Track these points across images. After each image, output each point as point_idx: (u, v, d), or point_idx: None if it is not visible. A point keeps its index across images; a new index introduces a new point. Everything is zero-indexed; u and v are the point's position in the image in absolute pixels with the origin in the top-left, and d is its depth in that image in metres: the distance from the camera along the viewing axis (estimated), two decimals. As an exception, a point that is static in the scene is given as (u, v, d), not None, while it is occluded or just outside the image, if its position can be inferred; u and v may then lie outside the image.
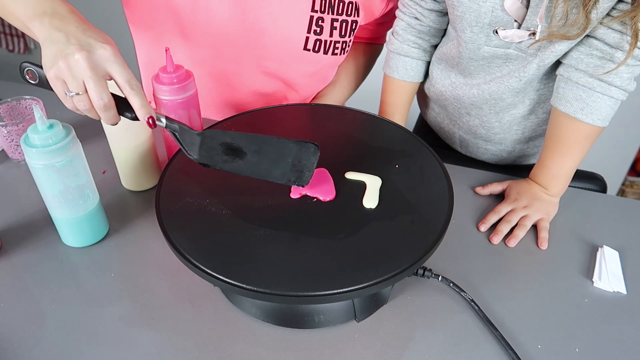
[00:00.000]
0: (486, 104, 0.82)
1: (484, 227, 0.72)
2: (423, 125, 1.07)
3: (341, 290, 0.49)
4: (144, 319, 0.59)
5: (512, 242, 0.70)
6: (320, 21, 0.83)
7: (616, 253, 0.69)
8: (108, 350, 0.55)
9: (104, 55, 0.54)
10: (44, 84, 0.57)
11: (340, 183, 0.63)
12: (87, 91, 0.54)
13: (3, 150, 0.83)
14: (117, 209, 0.73)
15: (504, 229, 0.71)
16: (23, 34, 2.24)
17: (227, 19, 0.80)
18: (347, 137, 0.72)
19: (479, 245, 0.70)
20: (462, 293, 0.61)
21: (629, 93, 0.69)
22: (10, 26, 2.24)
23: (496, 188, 0.79)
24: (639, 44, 0.63)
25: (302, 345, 0.57)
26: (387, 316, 0.60)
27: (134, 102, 0.55)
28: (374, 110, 0.82)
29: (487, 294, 0.63)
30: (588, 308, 0.62)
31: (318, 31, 0.83)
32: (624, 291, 0.64)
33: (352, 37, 0.88)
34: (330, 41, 0.85)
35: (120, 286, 0.62)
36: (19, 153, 0.81)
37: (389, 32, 0.94)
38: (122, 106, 0.56)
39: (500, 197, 0.79)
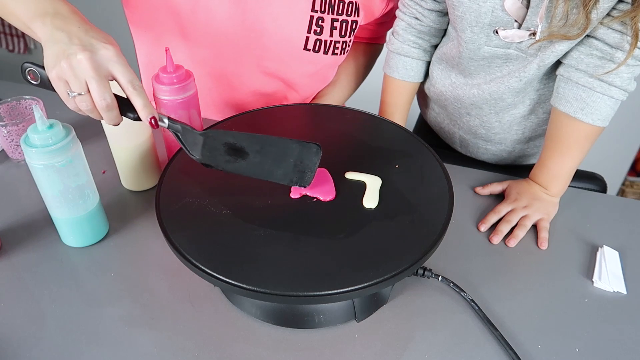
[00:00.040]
0: (486, 104, 0.82)
1: (484, 227, 0.72)
2: (423, 125, 1.07)
3: (341, 290, 0.49)
4: (144, 319, 0.59)
5: (512, 242, 0.70)
6: (320, 21, 0.83)
7: (616, 253, 0.69)
8: (108, 350, 0.55)
9: (106, 55, 0.54)
10: (45, 84, 0.57)
11: (340, 183, 0.63)
12: (89, 91, 0.54)
13: (3, 150, 0.83)
14: (117, 209, 0.73)
15: (504, 229, 0.71)
16: (23, 34, 2.24)
17: (227, 19, 0.80)
18: (347, 137, 0.72)
19: (479, 245, 0.70)
20: (462, 293, 0.61)
21: (629, 93, 0.69)
22: (10, 26, 2.24)
23: (496, 188, 0.79)
24: (639, 44, 0.63)
25: (302, 345, 0.57)
26: (387, 316, 0.60)
27: (137, 102, 0.55)
28: (374, 110, 0.82)
29: (487, 294, 0.63)
30: (588, 308, 0.62)
31: (318, 31, 0.83)
32: (624, 291, 0.64)
33: (352, 37, 0.88)
34: (331, 41, 0.85)
35: (120, 286, 0.62)
36: (19, 153, 0.81)
37: (389, 32, 0.94)
38: (124, 107, 0.56)
39: (500, 197, 0.79)
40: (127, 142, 0.71)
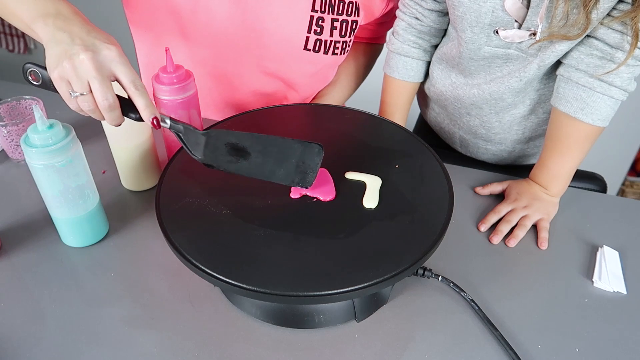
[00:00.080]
0: (486, 104, 0.82)
1: (484, 227, 0.72)
2: (423, 125, 1.07)
3: (341, 290, 0.49)
4: (144, 319, 0.59)
5: (512, 242, 0.70)
6: (320, 21, 0.83)
7: (616, 253, 0.69)
8: (108, 350, 0.55)
9: (109, 55, 0.54)
10: (46, 85, 0.57)
11: (340, 183, 0.63)
12: (91, 91, 0.54)
13: (3, 150, 0.83)
14: (117, 209, 0.73)
15: (504, 229, 0.71)
16: (23, 34, 2.24)
17: (227, 19, 0.80)
18: (347, 137, 0.72)
19: (479, 245, 0.70)
20: (462, 293, 0.61)
21: (629, 93, 0.69)
22: (10, 26, 2.24)
23: (496, 188, 0.79)
24: (639, 44, 0.63)
25: (302, 345, 0.57)
26: (387, 316, 0.60)
27: (139, 102, 0.55)
28: (374, 110, 0.82)
29: (487, 294, 0.63)
30: (588, 308, 0.62)
31: (318, 31, 0.83)
32: (624, 291, 0.64)
33: (352, 37, 0.88)
34: (331, 41, 0.85)
35: (120, 286, 0.62)
36: (19, 153, 0.81)
37: (389, 32, 0.94)
38: (126, 107, 0.56)
39: (500, 197, 0.79)
40: (127, 142, 0.71)
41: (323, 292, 0.49)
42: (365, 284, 0.50)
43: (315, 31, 0.83)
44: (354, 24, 0.86)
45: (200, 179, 0.63)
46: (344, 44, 0.87)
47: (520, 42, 0.71)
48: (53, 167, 0.58)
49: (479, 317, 0.60)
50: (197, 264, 0.52)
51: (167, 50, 0.67)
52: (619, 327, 0.60)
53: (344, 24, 0.84)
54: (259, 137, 0.60)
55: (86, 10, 0.67)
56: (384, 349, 0.57)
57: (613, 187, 1.93)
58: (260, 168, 0.60)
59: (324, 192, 0.61)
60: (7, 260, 0.65)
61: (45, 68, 0.55)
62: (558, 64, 0.73)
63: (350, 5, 0.83)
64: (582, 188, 0.83)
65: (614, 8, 0.64)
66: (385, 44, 1.01)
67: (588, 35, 0.67)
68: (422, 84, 0.93)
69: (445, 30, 0.85)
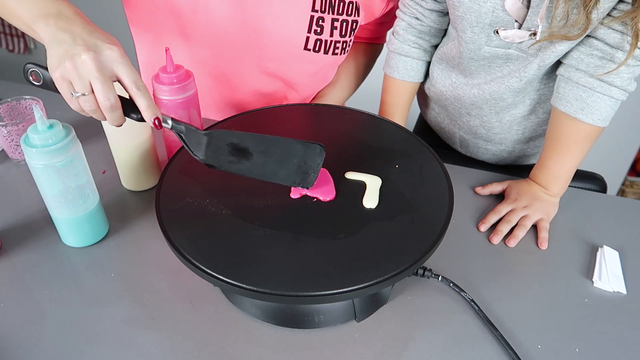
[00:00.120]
0: (486, 104, 0.82)
1: (484, 227, 0.72)
2: (423, 125, 1.07)
3: (341, 290, 0.49)
4: (144, 319, 0.59)
5: (512, 242, 0.70)
6: (320, 21, 0.83)
7: (616, 253, 0.69)
8: (108, 350, 0.55)
9: (111, 56, 0.54)
10: (47, 85, 0.57)
11: (340, 183, 0.63)
12: (93, 92, 0.54)
13: (3, 150, 0.83)
14: (117, 209, 0.73)
15: (504, 229, 0.71)
16: (23, 34, 2.24)
17: (227, 19, 0.80)
18: (347, 137, 0.72)
19: (479, 245, 0.70)
20: (462, 293, 0.61)
21: (629, 93, 0.69)
22: (10, 26, 2.24)
23: (496, 188, 0.79)
24: (639, 44, 0.63)
25: (302, 345, 0.57)
26: (387, 316, 0.60)
27: (141, 103, 0.55)
28: (374, 110, 0.82)
29: (487, 294, 0.63)
30: (588, 308, 0.62)
31: (318, 31, 0.83)
32: (624, 291, 0.64)
33: (352, 37, 0.88)
34: (331, 41, 0.85)
35: (120, 286, 0.62)
36: (19, 153, 0.81)
37: (389, 32, 0.94)
38: (127, 107, 0.56)
39: (500, 197, 0.79)
40: (127, 142, 0.71)
41: (323, 292, 0.49)
42: (365, 284, 0.50)
43: (315, 31, 0.83)
44: (354, 24, 0.86)
45: (200, 179, 0.63)
46: (344, 44, 0.87)
47: (521, 42, 0.71)
48: (53, 167, 0.58)
49: (479, 317, 0.60)
50: (197, 264, 0.52)
51: (167, 50, 0.67)
52: (619, 327, 0.60)
53: (344, 24, 0.84)
54: (261, 137, 0.60)
55: (86, 10, 0.67)
56: (384, 349, 0.57)
57: (613, 187, 1.93)
58: (262, 168, 0.60)
59: (324, 192, 0.61)
60: (7, 260, 0.65)
61: (46, 68, 0.55)
62: (558, 64, 0.73)
63: (351, 5, 0.83)
64: (582, 188, 0.83)
65: (614, 8, 0.64)
66: (385, 44, 1.01)
67: (588, 36, 0.67)
68: (422, 84, 0.93)
69: (446, 30, 0.85)
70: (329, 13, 0.82)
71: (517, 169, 0.94)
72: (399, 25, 0.86)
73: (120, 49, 0.55)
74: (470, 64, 0.78)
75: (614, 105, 0.69)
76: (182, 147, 0.67)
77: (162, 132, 0.78)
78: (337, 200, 0.60)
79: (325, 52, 0.86)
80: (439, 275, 0.62)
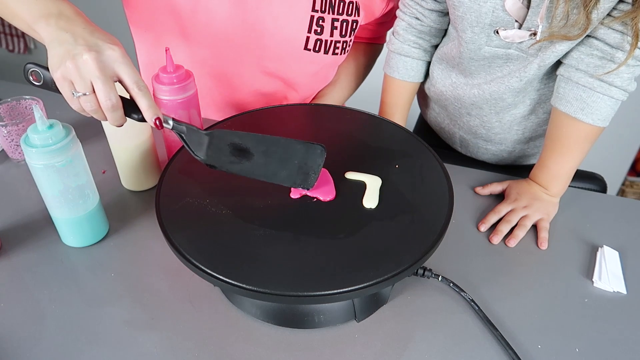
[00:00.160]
0: (487, 104, 0.82)
1: (484, 227, 0.72)
2: (423, 125, 1.07)
3: (341, 290, 0.49)
4: (144, 319, 0.59)
5: (512, 242, 0.70)
6: (320, 21, 0.83)
7: (616, 253, 0.69)
8: (108, 350, 0.55)
9: (112, 56, 0.54)
10: (48, 85, 0.57)
11: (340, 183, 0.63)
12: (94, 92, 0.54)
13: (3, 150, 0.83)
14: (117, 209, 0.73)
15: (504, 229, 0.71)
16: (23, 34, 2.24)
17: (227, 19, 0.80)
18: (347, 137, 0.72)
19: (479, 245, 0.70)
20: (462, 293, 0.61)
21: (629, 93, 0.69)
22: (10, 26, 2.24)
23: (496, 188, 0.79)
24: (639, 45, 0.63)
25: (302, 345, 0.57)
26: (387, 316, 0.60)
27: (142, 103, 0.55)
28: (374, 110, 0.82)
29: (487, 294, 0.63)
30: (588, 308, 0.62)
31: (319, 31, 0.83)
32: (624, 291, 0.64)
33: (352, 37, 0.88)
34: (331, 41, 0.85)
35: (120, 286, 0.62)
36: (19, 153, 0.81)
37: (389, 32, 0.94)
38: (128, 107, 0.56)
39: (500, 197, 0.79)
40: (127, 142, 0.71)
41: (323, 292, 0.49)
42: (365, 284, 0.50)
43: (315, 31, 0.83)
44: (354, 23, 0.86)
45: (200, 179, 0.63)
46: (344, 44, 0.87)
47: (521, 42, 0.71)
48: (53, 167, 0.58)
49: (479, 317, 0.60)
50: (197, 264, 0.52)
51: (167, 50, 0.67)
52: (619, 327, 0.60)
53: (344, 23, 0.84)
54: (262, 137, 0.60)
55: (86, 10, 0.67)
56: (384, 349, 0.57)
57: (613, 187, 1.93)
58: (263, 169, 0.60)
59: (324, 192, 0.61)
60: (7, 260, 0.65)
61: (46, 68, 0.55)
62: (558, 64, 0.73)
63: (351, 5, 0.83)
64: (582, 188, 0.83)
65: (614, 8, 0.64)
66: (385, 44, 1.01)
67: (588, 36, 0.67)
68: (422, 84, 0.93)
69: (446, 30, 0.85)
70: (329, 13, 0.82)
71: (517, 169, 0.94)
72: (399, 25, 0.86)
73: (121, 49, 0.55)
74: (470, 64, 0.78)
75: (614, 105, 0.69)
76: (182, 147, 0.67)
77: (162, 132, 0.78)
78: (337, 200, 0.60)
79: (326, 52, 0.86)
80: (439, 275, 0.62)
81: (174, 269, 0.64)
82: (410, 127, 1.10)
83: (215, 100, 0.93)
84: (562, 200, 0.77)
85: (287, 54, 0.85)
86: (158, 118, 0.56)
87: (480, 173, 0.84)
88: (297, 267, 0.52)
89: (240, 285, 0.50)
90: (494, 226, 0.73)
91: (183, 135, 0.58)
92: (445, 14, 0.81)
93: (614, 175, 1.90)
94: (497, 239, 0.70)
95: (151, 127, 0.66)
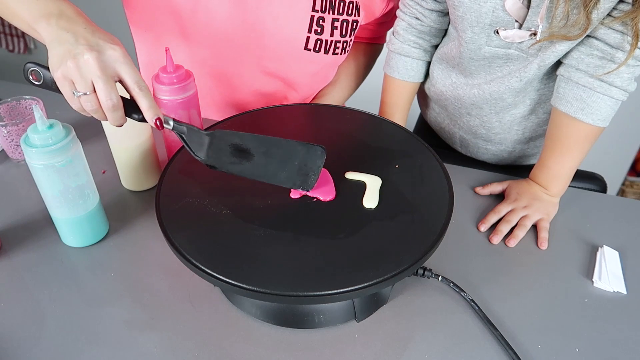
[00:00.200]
0: (487, 104, 0.82)
1: (484, 227, 0.72)
2: (423, 125, 1.07)
3: (341, 290, 0.49)
4: (144, 319, 0.59)
5: (512, 242, 0.70)
6: (321, 21, 0.83)
7: (616, 253, 0.69)
8: (108, 350, 0.55)
9: (113, 56, 0.54)
10: (48, 85, 0.57)
11: (340, 183, 0.63)
12: (95, 91, 0.54)
13: (3, 150, 0.83)
14: (117, 209, 0.73)
15: (504, 229, 0.71)
16: (23, 34, 2.24)
17: (227, 19, 0.80)
18: (347, 137, 0.72)
19: (479, 245, 0.70)
20: (462, 293, 0.61)
21: (629, 93, 0.69)
22: (10, 26, 2.24)
23: (496, 188, 0.79)
24: (639, 45, 0.63)
25: (302, 345, 0.57)
26: (387, 316, 0.60)
27: (143, 103, 0.55)
28: (374, 110, 0.82)
29: (487, 294, 0.63)
30: (588, 308, 0.62)
31: (319, 31, 0.83)
32: (624, 291, 0.64)
33: (352, 37, 0.88)
34: (331, 41, 0.85)
35: (120, 286, 0.62)
36: (19, 153, 0.81)
37: (389, 32, 0.94)
38: (129, 107, 0.56)
39: (500, 197, 0.79)
40: (127, 142, 0.71)
41: (323, 292, 0.49)
42: (365, 284, 0.50)
43: (315, 31, 0.83)
44: (355, 23, 0.86)
45: (200, 179, 0.63)
46: (345, 44, 0.87)
47: (521, 42, 0.71)
48: (53, 167, 0.58)
49: (479, 317, 0.60)
50: (197, 264, 0.52)
51: (167, 50, 0.67)
52: (619, 327, 0.60)
53: (345, 23, 0.84)
54: (263, 138, 0.60)
55: (86, 10, 0.67)
56: (384, 349, 0.57)
57: (613, 187, 1.93)
58: (263, 170, 0.60)
59: (324, 192, 0.61)
60: (7, 260, 0.65)
61: (46, 67, 0.55)
62: (558, 64, 0.73)
63: (351, 5, 0.83)
64: (582, 188, 0.83)
65: (614, 8, 0.64)
66: (385, 44, 1.01)
67: (588, 36, 0.67)
68: (422, 84, 0.93)
69: (446, 30, 0.85)
70: (329, 13, 0.82)
71: (517, 169, 0.94)
72: (399, 25, 0.86)
73: (122, 49, 0.55)
74: (470, 64, 0.78)
75: (614, 105, 0.69)
76: (182, 147, 0.67)
77: (162, 132, 0.78)
78: (337, 200, 0.60)
79: (326, 52, 0.86)
80: (439, 275, 0.62)
81: (174, 269, 0.64)
82: (410, 127, 1.10)
83: (215, 100, 0.93)
84: (562, 200, 0.77)
85: (287, 54, 0.85)
86: (159, 118, 0.56)
87: (480, 173, 0.84)
88: (297, 267, 0.52)
89: (240, 285, 0.50)
90: (494, 226, 0.73)
91: (183, 135, 0.58)
92: (445, 14, 0.81)
93: (614, 175, 1.90)
94: (497, 239, 0.70)
95: (151, 127, 0.66)
